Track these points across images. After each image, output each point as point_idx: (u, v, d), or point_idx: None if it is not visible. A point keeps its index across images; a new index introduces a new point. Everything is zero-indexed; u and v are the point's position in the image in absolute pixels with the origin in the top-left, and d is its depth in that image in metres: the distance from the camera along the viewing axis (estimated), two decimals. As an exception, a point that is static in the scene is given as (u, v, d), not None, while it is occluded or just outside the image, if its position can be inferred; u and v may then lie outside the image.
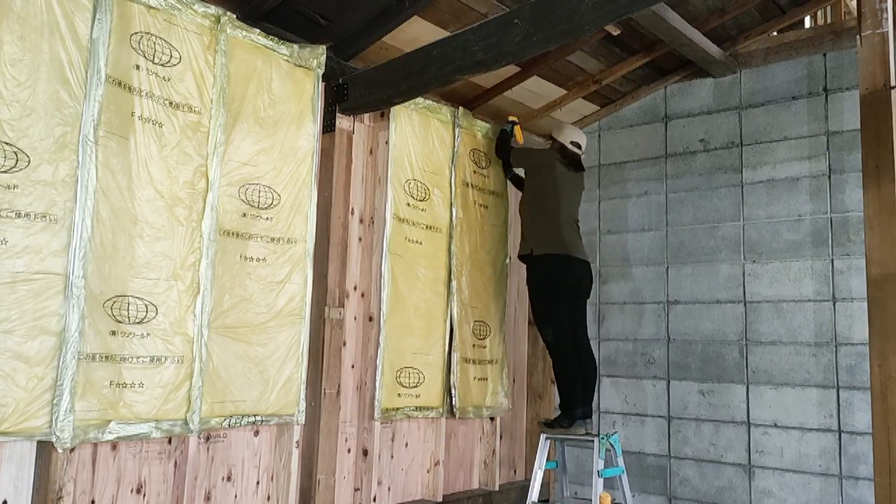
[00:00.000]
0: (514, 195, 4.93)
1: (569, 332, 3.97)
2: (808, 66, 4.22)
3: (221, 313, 3.11)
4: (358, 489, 3.75)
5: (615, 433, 3.88)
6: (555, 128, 4.45)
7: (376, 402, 3.74)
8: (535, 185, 4.20)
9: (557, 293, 3.99)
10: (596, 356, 4.76)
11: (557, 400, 4.15)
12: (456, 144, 4.30)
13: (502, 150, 4.48)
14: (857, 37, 2.89)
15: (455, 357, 4.16)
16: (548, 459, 3.97)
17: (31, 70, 2.57)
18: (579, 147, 4.25)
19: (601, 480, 3.67)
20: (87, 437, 2.64)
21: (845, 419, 3.92)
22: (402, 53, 3.62)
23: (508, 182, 4.73)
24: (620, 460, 3.85)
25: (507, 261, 4.63)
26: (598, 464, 3.69)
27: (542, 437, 3.98)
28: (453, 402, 4.13)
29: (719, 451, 4.30)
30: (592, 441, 3.76)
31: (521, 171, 4.54)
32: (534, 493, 3.93)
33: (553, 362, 4.03)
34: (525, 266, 4.19)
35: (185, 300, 2.97)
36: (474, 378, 4.31)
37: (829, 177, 4.09)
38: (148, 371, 2.84)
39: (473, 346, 4.32)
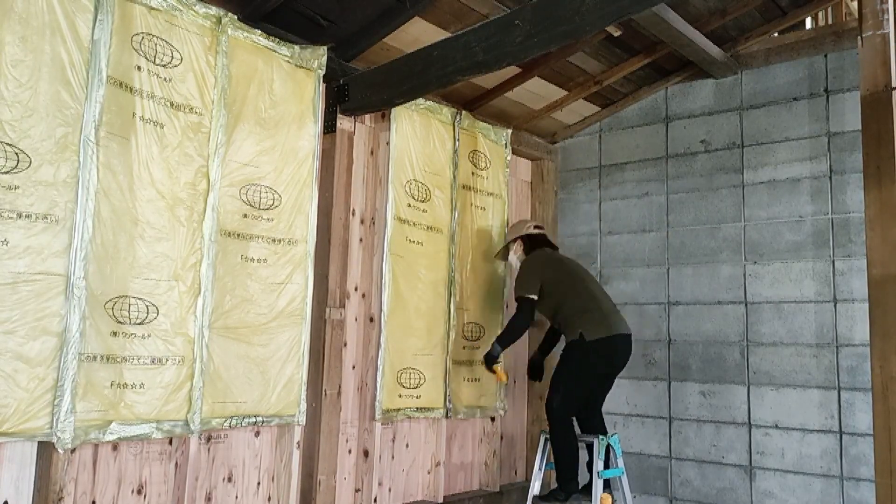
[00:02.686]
0: (514, 196, 4.94)
1: (576, 404, 3.83)
2: (809, 67, 4.22)
3: (222, 314, 3.11)
4: (359, 490, 3.75)
5: (615, 434, 3.88)
6: (509, 234, 4.35)
7: (377, 403, 3.74)
8: (557, 282, 3.94)
9: (595, 375, 3.84)
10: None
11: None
12: (456, 145, 4.30)
13: (515, 331, 4.04)
14: (859, 38, 2.89)
15: (448, 358, 4.15)
16: (547, 461, 3.97)
17: (33, 71, 2.57)
18: (540, 228, 4.25)
19: (601, 481, 3.66)
20: (88, 438, 2.64)
21: (846, 420, 3.91)
22: (403, 54, 3.63)
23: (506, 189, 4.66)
24: (620, 461, 3.85)
25: (505, 263, 4.62)
26: (598, 465, 3.69)
27: (542, 438, 3.98)
28: (447, 404, 4.13)
29: (720, 452, 4.29)
30: (592, 442, 3.76)
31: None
32: (533, 492, 3.93)
33: (551, 432, 3.81)
34: (567, 345, 3.87)
35: (186, 301, 2.97)
36: (465, 379, 4.30)
37: (831, 178, 4.09)
38: (149, 372, 2.84)
39: (463, 347, 4.31)
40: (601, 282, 4.83)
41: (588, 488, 3.73)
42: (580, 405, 3.86)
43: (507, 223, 4.70)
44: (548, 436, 3.91)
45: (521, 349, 4.91)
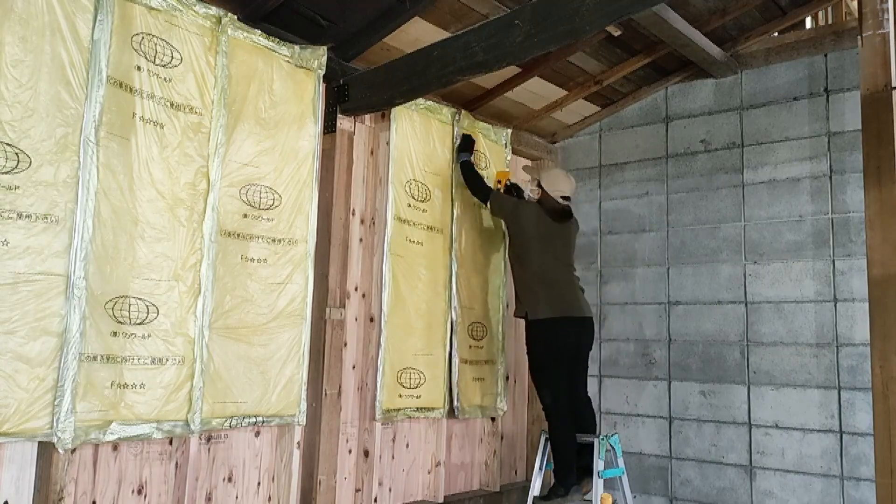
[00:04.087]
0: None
1: (566, 394, 3.82)
2: (810, 67, 4.22)
3: (223, 314, 3.11)
4: (359, 490, 3.75)
5: (615, 434, 3.88)
6: (543, 173, 4.21)
7: (377, 403, 3.74)
8: (521, 241, 3.96)
9: (556, 358, 3.81)
10: (597, 357, 4.79)
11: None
12: (456, 145, 4.30)
13: (474, 183, 4.17)
14: (859, 37, 2.89)
15: (455, 358, 4.16)
16: (548, 461, 3.97)
17: (33, 71, 2.57)
18: (568, 199, 4.03)
19: (601, 481, 3.66)
20: (89, 438, 2.64)
21: (847, 420, 3.91)
22: (404, 54, 3.63)
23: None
24: (621, 461, 3.85)
25: (505, 262, 4.62)
26: (599, 465, 3.69)
27: (542, 437, 3.98)
28: (455, 403, 4.13)
29: (720, 452, 4.29)
30: (593, 442, 3.76)
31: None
32: (534, 492, 3.93)
33: (549, 426, 3.83)
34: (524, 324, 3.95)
35: (186, 301, 2.97)
36: (472, 378, 4.31)
37: (831, 177, 4.09)
38: (149, 372, 2.84)
39: (470, 346, 4.31)
40: (601, 282, 4.84)
41: (585, 472, 3.76)
42: (567, 396, 3.81)
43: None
44: (548, 435, 3.92)
45: (521, 348, 4.91)
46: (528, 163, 5.11)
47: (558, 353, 3.82)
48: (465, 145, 4.25)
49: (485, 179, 4.30)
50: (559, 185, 4.01)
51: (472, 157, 4.26)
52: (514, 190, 4.34)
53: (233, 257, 3.17)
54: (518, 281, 4.02)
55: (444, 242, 4.20)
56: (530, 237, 3.93)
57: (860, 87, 2.87)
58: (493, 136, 4.61)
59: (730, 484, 4.24)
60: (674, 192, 4.65)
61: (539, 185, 4.07)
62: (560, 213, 3.99)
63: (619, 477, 3.85)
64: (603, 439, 3.74)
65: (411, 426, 4.09)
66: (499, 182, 4.34)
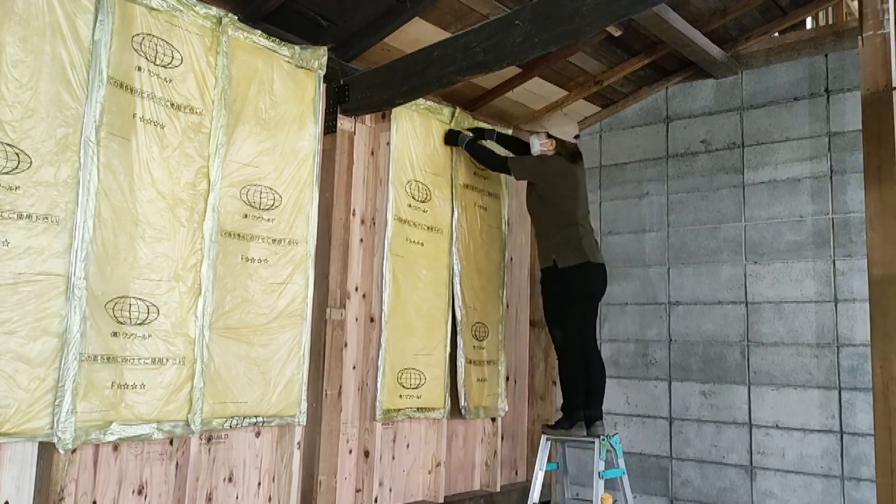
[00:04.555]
0: (514, 196, 4.94)
1: (578, 334, 3.92)
2: (810, 67, 4.22)
3: (223, 314, 3.11)
4: (359, 490, 3.75)
5: (616, 434, 3.87)
6: (546, 123, 4.16)
7: (378, 403, 3.74)
8: (551, 193, 3.99)
9: (576, 301, 3.91)
10: (597, 357, 4.79)
11: (559, 400, 4.14)
12: (457, 135, 4.29)
13: (488, 159, 4.20)
14: (859, 37, 2.89)
15: (461, 358, 4.16)
16: (549, 460, 3.97)
17: (33, 71, 2.57)
18: (577, 137, 4.11)
19: (602, 482, 3.66)
20: (89, 439, 2.64)
21: (847, 420, 3.91)
22: (404, 54, 3.63)
23: (504, 177, 4.67)
24: (621, 461, 3.85)
25: (504, 262, 4.62)
26: (599, 465, 3.68)
27: (543, 438, 3.98)
28: (462, 404, 4.13)
29: (721, 453, 4.29)
30: (593, 442, 3.76)
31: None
32: (535, 494, 3.93)
33: (559, 363, 3.97)
34: (542, 273, 4.01)
35: (186, 301, 2.97)
36: (477, 379, 4.32)
37: (831, 177, 4.09)
38: (149, 372, 2.84)
39: (474, 347, 4.32)
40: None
41: (590, 423, 3.83)
42: (578, 336, 3.90)
43: (508, 223, 4.71)
44: (549, 437, 3.92)
45: (522, 349, 4.92)
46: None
47: (580, 297, 3.91)
48: (453, 136, 4.26)
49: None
50: (565, 127, 4.09)
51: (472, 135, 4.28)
52: (480, 133, 4.33)
53: (233, 257, 3.17)
54: (544, 233, 4.03)
55: (445, 243, 4.20)
56: (561, 188, 3.98)
57: (861, 88, 2.87)
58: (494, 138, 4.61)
59: (730, 484, 4.24)
60: (674, 193, 4.65)
61: (549, 137, 4.05)
62: (578, 154, 4.09)
63: (620, 477, 3.85)
64: (604, 440, 3.74)
65: (412, 426, 4.09)
66: (468, 130, 4.32)
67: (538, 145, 4.06)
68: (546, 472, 4.02)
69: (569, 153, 4.03)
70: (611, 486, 3.87)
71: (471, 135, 4.25)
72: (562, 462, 4.21)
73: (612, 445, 3.79)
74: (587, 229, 3.98)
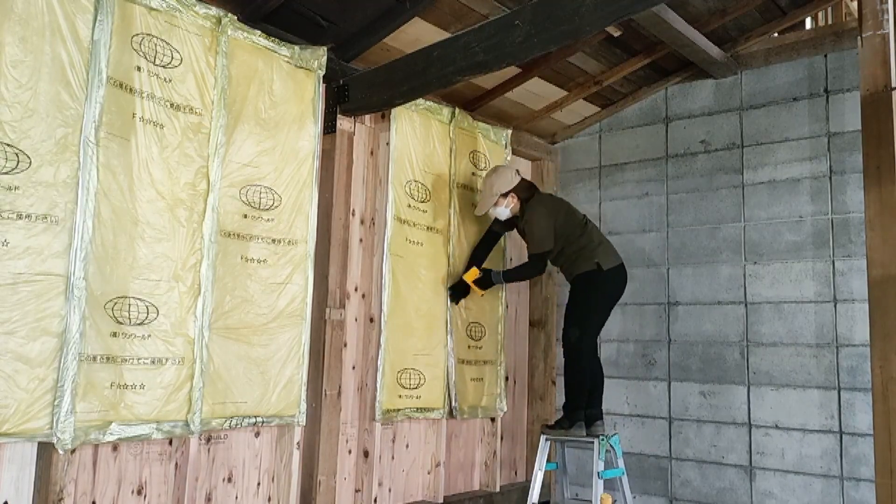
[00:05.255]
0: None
1: (596, 335, 3.97)
2: (809, 68, 4.22)
3: (222, 314, 3.11)
4: (359, 490, 3.75)
5: (615, 434, 3.88)
6: (493, 187, 4.00)
7: (377, 403, 3.74)
8: (566, 223, 3.98)
9: (608, 303, 3.99)
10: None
11: (559, 400, 4.13)
12: (454, 146, 4.30)
13: (523, 273, 4.19)
14: (858, 38, 2.89)
15: (452, 358, 4.16)
16: (548, 461, 3.97)
17: (33, 71, 2.57)
18: (521, 178, 4.10)
19: (601, 482, 3.66)
20: (88, 439, 2.64)
21: (846, 420, 3.91)
22: (404, 54, 3.63)
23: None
24: (621, 461, 3.85)
25: (504, 263, 4.62)
26: (599, 465, 3.68)
27: (543, 438, 3.98)
28: (452, 404, 4.13)
29: (720, 453, 4.29)
30: (592, 442, 3.76)
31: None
32: (534, 494, 3.93)
33: (566, 362, 3.89)
34: (578, 278, 3.92)
35: (186, 301, 2.97)
36: (471, 379, 4.31)
37: (831, 178, 4.09)
38: (149, 372, 2.84)
39: (468, 346, 4.31)
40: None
41: (590, 423, 3.85)
42: (594, 339, 3.95)
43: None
44: (549, 437, 3.92)
45: (521, 349, 4.92)
46: (528, 163, 5.11)
47: (612, 300, 3.99)
48: (485, 281, 4.16)
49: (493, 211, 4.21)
50: (508, 174, 4.04)
51: (492, 270, 4.17)
52: (522, 189, 4.13)
53: (233, 258, 3.17)
54: (579, 248, 3.92)
55: (444, 243, 4.20)
56: (569, 216, 4.02)
57: (860, 88, 2.87)
58: (493, 136, 4.61)
59: (730, 484, 4.24)
60: (674, 193, 4.65)
61: (504, 195, 4.00)
62: (532, 184, 4.18)
63: (620, 477, 3.85)
64: (603, 440, 3.74)
65: (411, 426, 4.09)
66: (470, 276, 4.16)
67: (506, 212, 4.04)
68: (545, 472, 4.02)
69: (532, 188, 4.11)
70: (610, 486, 3.87)
71: (499, 272, 4.16)
72: (561, 462, 4.22)
73: (611, 445, 3.79)
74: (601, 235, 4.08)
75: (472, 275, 4.14)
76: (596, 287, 3.90)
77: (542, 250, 3.96)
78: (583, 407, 3.86)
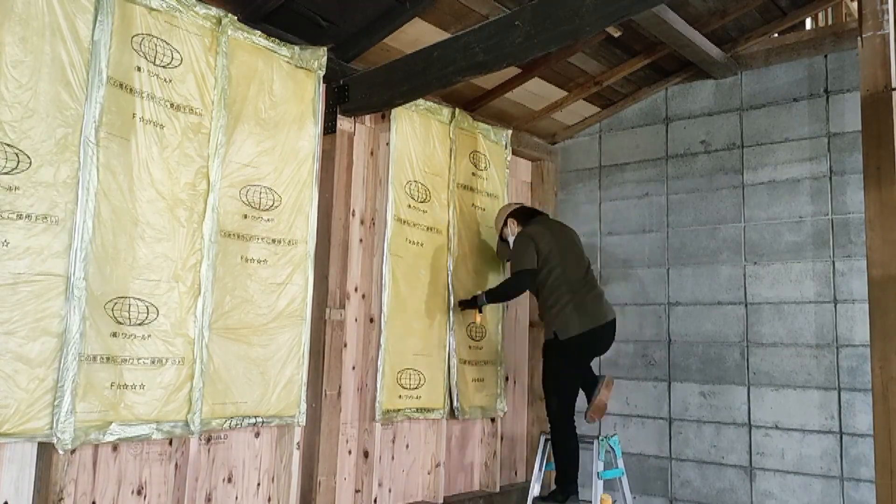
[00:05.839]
0: (514, 196, 4.94)
1: (572, 401, 3.79)
2: (809, 68, 4.22)
3: (222, 314, 3.11)
4: (359, 491, 3.74)
5: (615, 435, 3.88)
6: (498, 218, 4.24)
7: (377, 404, 3.74)
8: (544, 258, 3.88)
9: (578, 369, 3.85)
10: (597, 358, 4.77)
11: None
12: (454, 146, 4.30)
13: (507, 289, 4.10)
14: (858, 38, 2.89)
15: (454, 358, 4.16)
16: (547, 461, 3.97)
17: (33, 72, 2.57)
18: (520, 204, 4.18)
19: (601, 482, 3.66)
20: (88, 439, 2.63)
21: (846, 421, 3.91)
22: (404, 55, 3.63)
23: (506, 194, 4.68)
24: (620, 462, 3.85)
25: (504, 263, 4.62)
26: (598, 466, 3.68)
27: (542, 438, 3.97)
28: (454, 404, 4.13)
29: (720, 453, 4.29)
30: (592, 443, 3.76)
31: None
32: (534, 489, 3.94)
33: (551, 432, 3.79)
34: (545, 344, 3.86)
35: (186, 301, 2.97)
36: (472, 379, 4.31)
37: (831, 178, 4.09)
38: (149, 372, 2.84)
39: (469, 347, 4.31)
40: (601, 282, 4.83)
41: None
42: (573, 402, 3.81)
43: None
44: (548, 437, 3.91)
45: (521, 349, 4.92)
46: (528, 164, 5.11)
47: (581, 364, 3.90)
48: (470, 302, 4.17)
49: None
50: (503, 210, 4.17)
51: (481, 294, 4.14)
52: (519, 214, 4.18)
53: (233, 258, 3.17)
54: (545, 306, 3.89)
55: (444, 243, 4.20)
56: (556, 251, 3.88)
57: (860, 88, 2.87)
58: (493, 136, 4.61)
59: (730, 485, 4.24)
60: (674, 193, 4.65)
61: (505, 225, 4.15)
62: (533, 210, 4.17)
63: (619, 478, 3.85)
64: (602, 440, 3.74)
65: (411, 427, 4.09)
66: (479, 312, 4.24)
67: (512, 239, 4.09)
68: (545, 472, 4.02)
69: (526, 215, 4.11)
70: (610, 486, 3.87)
71: (481, 294, 4.12)
72: None
73: (610, 446, 3.79)
74: (587, 286, 3.86)
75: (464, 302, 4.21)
76: (558, 355, 3.78)
77: (520, 268, 3.90)
78: (576, 479, 3.74)
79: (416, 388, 3.96)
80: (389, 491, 3.93)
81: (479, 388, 4.37)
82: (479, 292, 4.17)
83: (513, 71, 4.19)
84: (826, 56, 4.17)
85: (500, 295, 4.14)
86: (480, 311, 4.23)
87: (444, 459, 4.20)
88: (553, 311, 3.80)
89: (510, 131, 4.73)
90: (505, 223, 4.17)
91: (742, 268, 4.34)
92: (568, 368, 3.79)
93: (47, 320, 2.55)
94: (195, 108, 3.06)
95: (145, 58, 2.90)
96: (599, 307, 3.84)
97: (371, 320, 3.83)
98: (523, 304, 4.96)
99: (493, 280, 4.52)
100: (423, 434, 4.16)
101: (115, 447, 2.83)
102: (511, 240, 4.12)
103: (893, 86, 2.80)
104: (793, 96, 4.27)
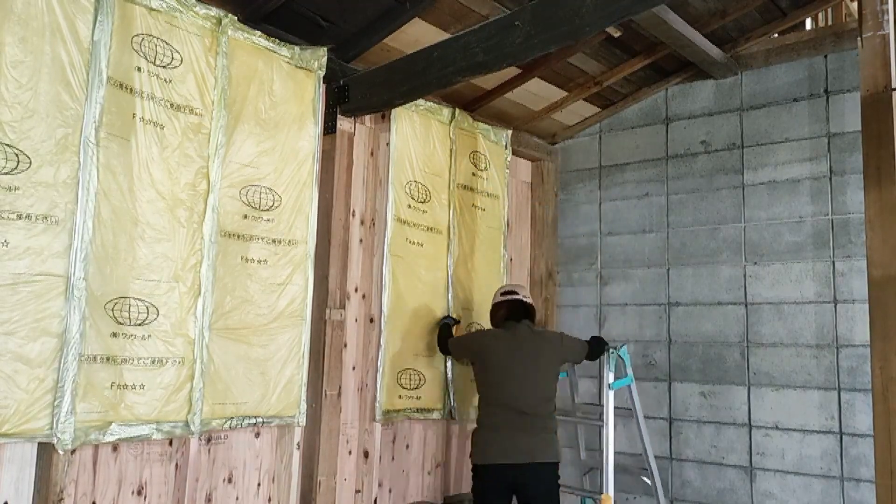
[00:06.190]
0: (514, 197, 4.95)
1: None
2: (809, 68, 4.22)
3: (223, 315, 3.11)
4: (359, 491, 3.74)
5: (624, 345, 3.98)
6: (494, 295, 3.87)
7: (377, 404, 3.74)
8: (481, 378, 3.58)
9: (501, 499, 3.39)
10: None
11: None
12: (455, 146, 4.30)
13: (442, 343, 3.91)
14: (858, 38, 2.89)
15: (450, 359, 4.16)
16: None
17: (33, 72, 2.57)
18: (513, 293, 3.67)
19: (612, 392, 3.79)
20: (88, 439, 2.64)
21: (847, 421, 3.91)
22: (404, 55, 3.63)
23: (505, 191, 4.65)
24: (629, 370, 3.98)
25: (504, 263, 4.62)
26: (609, 377, 3.79)
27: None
28: (451, 405, 4.13)
29: (721, 453, 4.29)
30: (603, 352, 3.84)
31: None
32: None
33: None
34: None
35: (186, 302, 2.97)
36: (470, 380, 4.30)
37: (831, 178, 4.09)
38: (149, 372, 2.84)
39: None
40: (601, 283, 4.84)
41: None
42: None
43: (508, 224, 4.71)
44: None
45: (522, 350, 4.91)
46: (528, 164, 5.11)
47: (500, 499, 3.40)
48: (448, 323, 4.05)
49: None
50: (501, 290, 3.81)
51: (453, 319, 4.08)
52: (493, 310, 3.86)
53: (233, 258, 3.17)
54: (478, 422, 3.58)
55: (444, 243, 4.20)
56: (496, 367, 3.47)
57: (860, 89, 2.87)
58: (493, 136, 4.61)
59: (730, 485, 4.24)
60: (674, 193, 4.65)
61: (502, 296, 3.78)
62: (509, 311, 3.61)
63: (629, 385, 3.97)
64: (612, 351, 3.81)
65: (411, 427, 4.09)
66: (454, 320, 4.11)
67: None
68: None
69: (500, 316, 3.67)
70: (620, 398, 3.98)
71: (454, 320, 4.06)
72: (571, 373, 4.37)
73: (620, 356, 3.88)
74: (519, 417, 3.36)
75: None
76: (474, 476, 3.49)
77: (449, 346, 3.84)
78: None
79: (416, 388, 3.96)
80: (389, 491, 3.93)
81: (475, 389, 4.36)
82: (449, 320, 4.05)
83: (513, 71, 4.19)
84: (826, 56, 4.17)
85: (439, 335, 3.97)
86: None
87: (444, 460, 4.20)
88: (477, 428, 3.51)
89: (510, 131, 4.74)
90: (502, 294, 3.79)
91: (742, 268, 4.34)
92: (483, 497, 3.42)
93: (47, 320, 2.55)
94: (195, 109, 3.06)
95: (145, 58, 2.91)
96: (530, 443, 3.33)
97: (371, 320, 3.83)
98: (523, 304, 4.95)
99: (493, 280, 4.53)
100: (424, 434, 4.16)
101: (115, 447, 2.83)
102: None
103: (893, 86, 2.79)
104: (793, 96, 4.27)
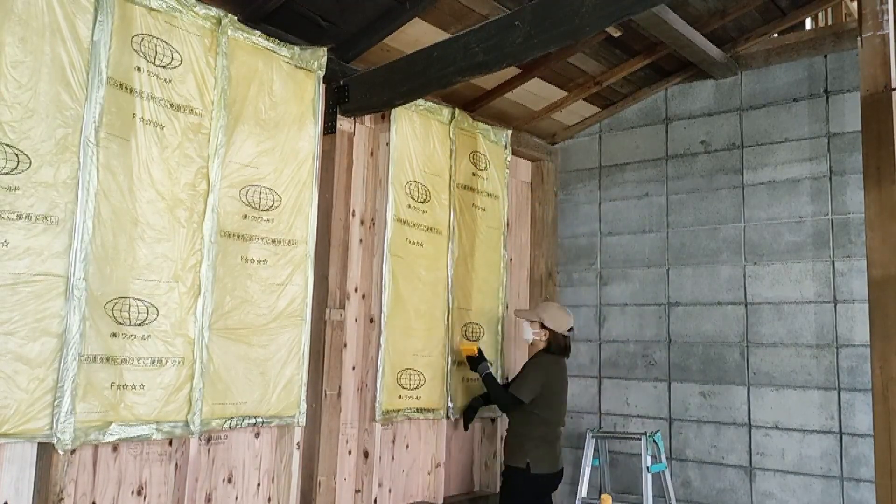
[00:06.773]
0: (514, 197, 4.95)
1: None
2: (809, 68, 4.22)
3: (222, 315, 3.11)
4: (359, 491, 3.74)
5: (657, 432, 4.12)
6: (543, 313, 3.96)
7: (377, 404, 3.74)
8: (549, 401, 3.86)
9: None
10: (597, 358, 4.79)
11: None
12: (455, 146, 4.30)
13: (499, 398, 3.97)
14: (858, 38, 2.89)
15: (449, 359, 4.15)
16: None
17: (33, 72, 2.57)
18: (572, 330, 3.98)
19: (650, 476, 3.92)
20: (88, 439, 2.64)
21: (846, 421, 3.91)
22: (404, 55, 3.63)
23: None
24: (663, 457, 4.11)
25: (504, 263, 4.62)
26: (647, 460, 3.94)
27: (588, 435, 4.19)
28: (448, 404, 4.13)
29: (720, 453, 4.29)
30: (640, 439, 4.00)
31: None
32: (582, 489, 4.16)
33: None
34: (508, 469, 3.83)
35: (186, 302, 2.97)
36: (463, 379, 4.30)
37: (830, 178, 4.09)
38: (149, 373, 2.84)
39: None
40: (601, 283, 4.84)
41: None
42: None
43: (508, 224, 4.71)
44: (594, 434, 4.19)
45: (521, 350, 4.92)
46: (528, 164, 5.11)
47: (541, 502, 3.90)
48: (476, 361, 4.08)
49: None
50: (562, 321, 3.94)
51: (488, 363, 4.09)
52: (553, 340, 3.98)
53: (233, 258, 3.17)
54: (527, 434, 3.82)
55: (444, 243, 4.20)
56: (557, 392, 3.91)
57: (860, 89, 2.87)
58: (493, 136, 4.61)
59: (730, 485, 4.24)
60: (674, 193, 4.65)
61: (543, 327, 3.93)
62: (567, 347, 3.99)
63: (663, 472, 4.09)
64: (649, 437, 3.97)
65: (411, 427, 4.09)
66: (470, 352, 4.09)
67: (531, 334, 3.97)
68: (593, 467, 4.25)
69: (561, 347, 3.94)
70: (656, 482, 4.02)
71: (487, 367, 4.05)
72: (603, 458, 4.47)
73: (655, 442, 4.03)
74: (561, 432, 3.94)
75: (469, 349, 4.09)
76: (520, 489, 3.77)
77: (520, 397, 3.80)
78: None
79: (415, 388, 3.96)
80: (389, 491, 3.93)
81: (476, 388, 4.36)
82: (485, 364, 4.04)
83: (513, 71, 4.19)
84: (826, 56, 4.17)
85: (491, 394, 4.02)
86: (478, 356, 4.09)
87: (444, 460, 4.20)
88: (537, 441, 3.79)
89: (510, 131, 4.74)
90: (545, 328, 3.93)
91: (742, 268, 4.34)
92: (536, 500, 3.83)
93: (47, 321, 2.55)
94: (195, 109, 3.06)
95: (145, 58, 2.90)
96: (562, 453, 3.95)
97: (371, 320, 3.83)
98: (523, 304, 4.96)
99: (493, 280, 4.53)
100: (423, 434, 4.16)
101: (115, 447, 2.83)
102: (528, 330, 3.99)
103: (893, 86, 2.80)
104: (793, 96, 4.27)
